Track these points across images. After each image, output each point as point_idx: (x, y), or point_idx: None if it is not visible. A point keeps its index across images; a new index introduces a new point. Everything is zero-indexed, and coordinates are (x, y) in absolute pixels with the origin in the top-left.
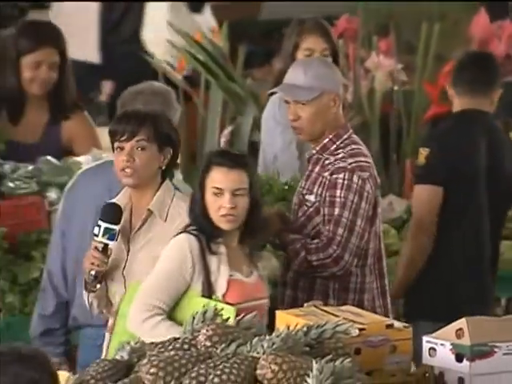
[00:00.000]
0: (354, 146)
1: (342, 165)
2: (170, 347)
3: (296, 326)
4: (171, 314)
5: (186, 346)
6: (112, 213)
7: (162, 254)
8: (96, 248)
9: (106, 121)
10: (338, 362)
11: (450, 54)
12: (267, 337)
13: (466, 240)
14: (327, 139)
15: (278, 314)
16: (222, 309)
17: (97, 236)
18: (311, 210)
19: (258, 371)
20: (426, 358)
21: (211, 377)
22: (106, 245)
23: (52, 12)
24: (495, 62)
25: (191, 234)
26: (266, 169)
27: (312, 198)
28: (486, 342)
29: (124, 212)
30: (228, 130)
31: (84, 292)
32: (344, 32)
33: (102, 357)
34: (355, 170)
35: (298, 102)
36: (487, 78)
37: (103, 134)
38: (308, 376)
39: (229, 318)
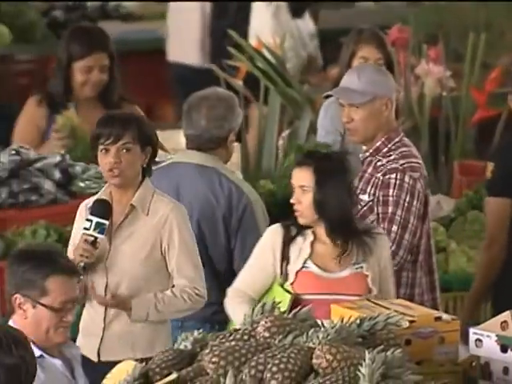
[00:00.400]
0: (404, 149)
1: (394, 166)
2: (231, 338)
3: (350, 318)
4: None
5: (245, 337)
6: (103, 208)
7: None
8: (86, 241)
9: None
10: (389, 353)
11: (496, 62)
12: (322, 328)
13: None
14: (380, 142)
15: (333, 307)
16: (280, 302)
17: (88, 230)
18: (365, 208)
19: (314, 361)
20: (473, 349)
21: (269, 366)
22: (96, 238)
23: (169, 17)
24: None
25: (282, 225)
26: None
27: (366, 197)
28: None
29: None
30: (286, 133)
31: None
32: (396, 41)
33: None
34: (406, 171)
35: (352, 105)
36: None
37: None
38: (361, 365)
39: (285, 312)
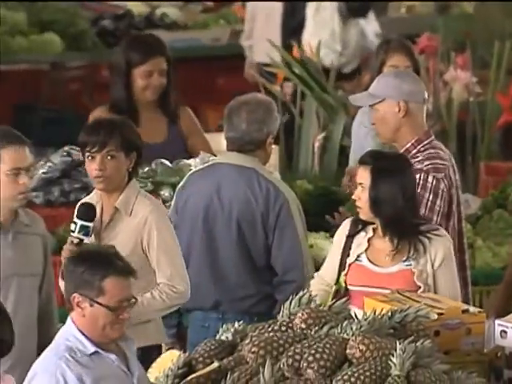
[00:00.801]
0: (432, 150)
1: (418, 167)
2: (270, 329)
3: (382, 310)
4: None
5: (283, 328)
6: (87, 212)
7: None
8: (72, 242)
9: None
10: (419, 343)
11: None
12: (356, 320)
13: None
14: (409, 144)
15: (366, 300)
16: (316, 295)
17: (73, 232)
18: None
19: (348, 351)
20: (498, 340)
21: (306, 355)
22: (81, 240)
23: (248, 16)
24: None
25: (352, 219)
26: None
27: None
28: None
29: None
30: (321, 135)
31: (60, 280)
32: (425, 48)
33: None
34: (430, 171)
35: (372, 108)
36: None
37: None
38: (392, 355)
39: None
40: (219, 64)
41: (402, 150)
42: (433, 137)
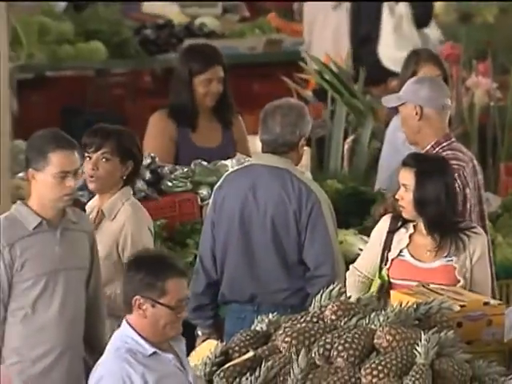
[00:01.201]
0: (449, 152)
1: None
2: (302, 320)
3: (407, 303)
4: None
5: (314, 319)
6: None
7: None
8: None
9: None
10: (442, 334)
11: None
12: (383, 312)
13: None
14: (429, 146)
15: (393, 293)
16: (345, 290)
17: None
18: None
19: (375, 340)
20: None
21: (336, 345)
22: None
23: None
24: None
25: (391, 216)
26: (384, 173)
27: None
28: None
29: (92, 212)
30: (350, 138)
31: None
32: (448, 56)
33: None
34: None
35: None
36: None
37: None
38: (417, 345)
39: (349, 297)
40: (255, 71)
41: (422, 152)
42: (452, 139)
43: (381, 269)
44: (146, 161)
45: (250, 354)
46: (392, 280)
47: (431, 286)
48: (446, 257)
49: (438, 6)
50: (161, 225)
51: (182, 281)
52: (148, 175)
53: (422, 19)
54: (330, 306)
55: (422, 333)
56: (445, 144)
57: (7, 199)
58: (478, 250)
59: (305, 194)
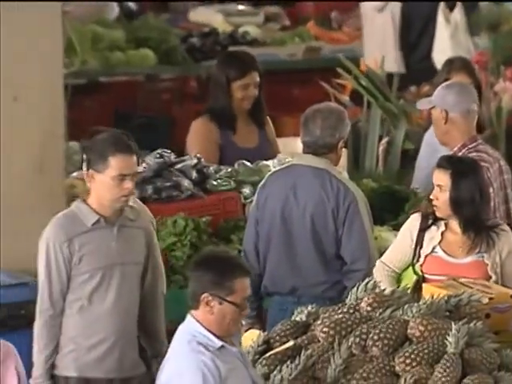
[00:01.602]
0: (474, 154)
1: None
2: (339, 311)
3: (439, 295)
4: (401, 276)
5: (351, 311)
6: None
7: None
8: None
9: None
10: (471, 324)
11: None
12: (416, 304)
13: None
14: (456, 148)
15: (425, 286)
16: (378, 285)
17: None
18: None
19: (409, 331)
20: None
21: (371, 335)
22: None
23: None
24: None
25: (421, 214)
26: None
27: None
28: None
29: None
30: (385, 140)
31: None
32: (477, 63)
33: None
34: None
35: None
36: None
37: None
38: (448, 335)
39: (384, 290)
40: (294, 76)
41: (450, 153)
42: (478, 141)
43: (413, 265)
44: (193, 161)
45: (291, 343)
46: (427, 275)
47: (461, 279)
48: (477, 253)
49: None
50: (206, 221)
51: (247, 280)
52: (194, 175)
53: (473, 28)
54: (365, 298)
55: (453, 324)
56: (471, 146)
57: (62, 197)
58: (507, 247)
59: (342, 193)
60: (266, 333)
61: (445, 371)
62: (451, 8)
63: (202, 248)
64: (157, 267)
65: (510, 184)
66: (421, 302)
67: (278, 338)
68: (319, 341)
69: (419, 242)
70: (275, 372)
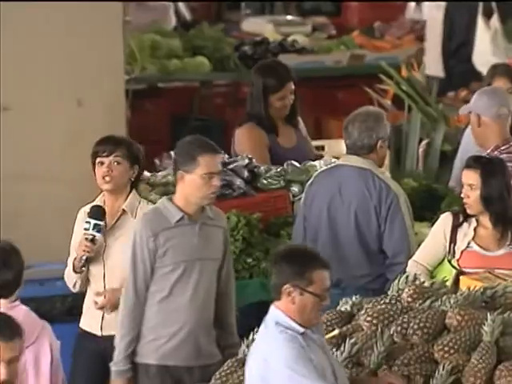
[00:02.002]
0: (505, 155)
1: None
2: (382, 302)
3: (475, 287)
4: (435, 272)
5: (393, 301)
6: (99, 212)
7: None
8: (86, 239)
9: None
10: (506, 314)
11: None
12: (453, 295)
13: None
14: (490, 149)
15: (462, 278)
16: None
17: (88, 230)
18: None
19: (447, 320)
20: None
21: (412, 324)
22: (94, 236)
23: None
24: None
25: (452, 213)
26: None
27: None
28: None
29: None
30: (424, 142)
31: (72, 273)
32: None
33: None
34: None
35: None
36: None
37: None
38: (484, 324)
39: (424, 282)
40: (340, 82)
41: (484, 154)
42: (511, 143)
43: (449, 260)
44: (244, 161)
45: (336, 331)
46: (464, 269)
47: (496, 272)
48: (509, 245)
49: None
50: (257, 218)
51: (326, 272)
52: (246, 174)
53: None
54: (406, 290)
55: (488, 314)
56: (503, 148)
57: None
58: None
59: (385, 191)
60: None
61: (481, 358)
62: (488, 16)
63: (253, 243)
64: (231, 264)
65: None
66: (458, 294)
67: (324, 327)
68: (363, 329)
69: (453, 239)
70: None
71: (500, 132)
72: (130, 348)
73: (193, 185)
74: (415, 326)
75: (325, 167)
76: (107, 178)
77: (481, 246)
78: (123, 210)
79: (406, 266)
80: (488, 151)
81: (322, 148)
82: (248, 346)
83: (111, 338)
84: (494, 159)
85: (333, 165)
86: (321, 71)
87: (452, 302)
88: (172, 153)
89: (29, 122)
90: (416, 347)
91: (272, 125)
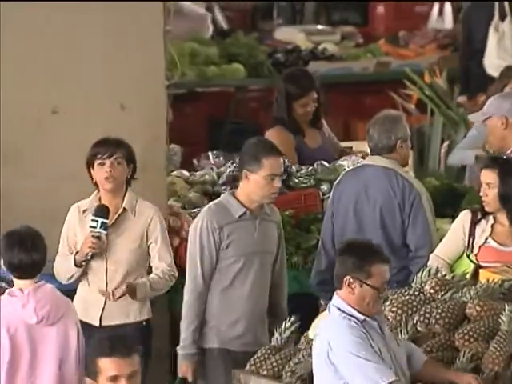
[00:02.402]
0: None
1: None
2: (405, 293)
3: (493, 280)
4: (454, 266)
5: (416, 293)
6: (105, 211)
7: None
8: (93, 236)
9: None
10: None
11: None
12: (473, 287)
13: None
14: (509, 151)
15: (481, 271)
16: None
17: (95, 228)
18: None
19: (467, 311)
20: None
21: (434, 314)
22: (100, 234)
23: None
24: None
25: (471, 210)
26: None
27: None
28: None
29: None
30: (446, 143)
31: (72, 267)
32: None
33: None
34: None
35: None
36: None
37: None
38: (502, 315)
39: (445, 275)
40: (367, 87)
41: (503, 156)
42: None
43: (468, 255)
44: None
45: None
46: (482, 263)
47: None
48: None
49: None
50: (289, 214)
51: (385, 266)
52: None
53: None
54: (429, 282)
55: (506, 305)
56: None
57: (163, 193)
58: None
59: (408, 189)
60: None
61: (499, 346)
62: (503, 19)
63: (285, 238)
64: (284, 256)
65: None
66: (478, 286)
67: None
68: (388, 319)
69: (472, 235)
70: None
71: None
72: (197, 333)
73: (256, 184)
74: (437, 316)
75: (351, 167)
76: (110, 179)
77: (498, 242)
78: (124, 209)
79: (428, 259)
80: (507, 152)
81: (350, 148)
82: (280, 335)
83: (109, 327)
84: (510, 159)
85: (358, 165)
86: (349, 77)
87: (472, 293)
88: (210, 153)
89: (74, 125)
90: (438, 336)
91: (297, 127)
